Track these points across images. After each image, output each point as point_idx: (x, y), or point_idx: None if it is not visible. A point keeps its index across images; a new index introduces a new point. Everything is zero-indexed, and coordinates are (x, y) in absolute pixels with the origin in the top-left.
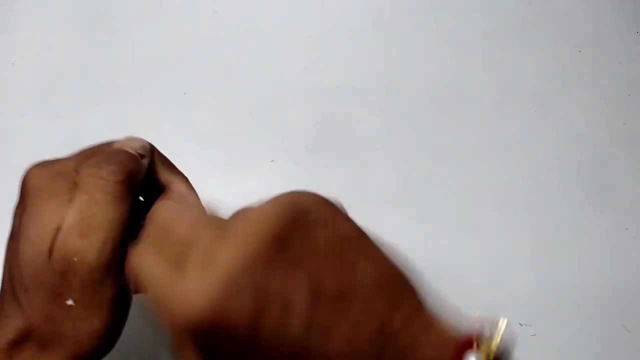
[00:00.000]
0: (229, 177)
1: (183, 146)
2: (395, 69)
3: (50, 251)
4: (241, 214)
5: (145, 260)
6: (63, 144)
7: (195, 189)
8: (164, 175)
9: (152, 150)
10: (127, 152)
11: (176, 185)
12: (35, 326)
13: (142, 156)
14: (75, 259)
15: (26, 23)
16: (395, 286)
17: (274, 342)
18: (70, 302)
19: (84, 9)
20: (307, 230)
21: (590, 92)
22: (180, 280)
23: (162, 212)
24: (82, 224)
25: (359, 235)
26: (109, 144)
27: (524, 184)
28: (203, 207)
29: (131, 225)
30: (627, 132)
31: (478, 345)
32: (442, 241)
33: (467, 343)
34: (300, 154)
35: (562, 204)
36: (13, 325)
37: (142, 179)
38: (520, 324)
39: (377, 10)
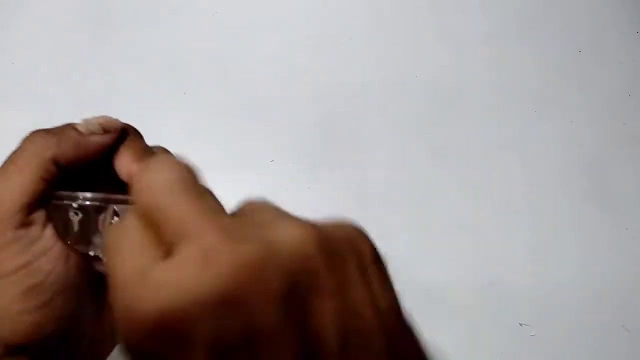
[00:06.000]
0: (229, 177)
1: (183, 146)
2: (395, 68)
3: None
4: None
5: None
6: None
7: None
8: (122, 163)
9: (123, 134)
10: (69, 128)
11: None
12: None
13: (94, 134)
14: None
15: (26, 23)
16: None
17: None
18: None
19: (84, 8)
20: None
21: (590, 92)
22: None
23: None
24: None
25: None
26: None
27: (524, 183)
28: None
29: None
30: (627, 132)
31: None
32: (442, 241)
33: None
34: (300, 154)
35: (562, 204)
36: None
37: (84, 158)
38: (520, 324)
39: (376, 10)
